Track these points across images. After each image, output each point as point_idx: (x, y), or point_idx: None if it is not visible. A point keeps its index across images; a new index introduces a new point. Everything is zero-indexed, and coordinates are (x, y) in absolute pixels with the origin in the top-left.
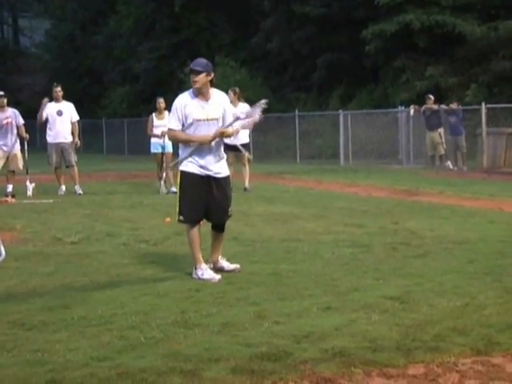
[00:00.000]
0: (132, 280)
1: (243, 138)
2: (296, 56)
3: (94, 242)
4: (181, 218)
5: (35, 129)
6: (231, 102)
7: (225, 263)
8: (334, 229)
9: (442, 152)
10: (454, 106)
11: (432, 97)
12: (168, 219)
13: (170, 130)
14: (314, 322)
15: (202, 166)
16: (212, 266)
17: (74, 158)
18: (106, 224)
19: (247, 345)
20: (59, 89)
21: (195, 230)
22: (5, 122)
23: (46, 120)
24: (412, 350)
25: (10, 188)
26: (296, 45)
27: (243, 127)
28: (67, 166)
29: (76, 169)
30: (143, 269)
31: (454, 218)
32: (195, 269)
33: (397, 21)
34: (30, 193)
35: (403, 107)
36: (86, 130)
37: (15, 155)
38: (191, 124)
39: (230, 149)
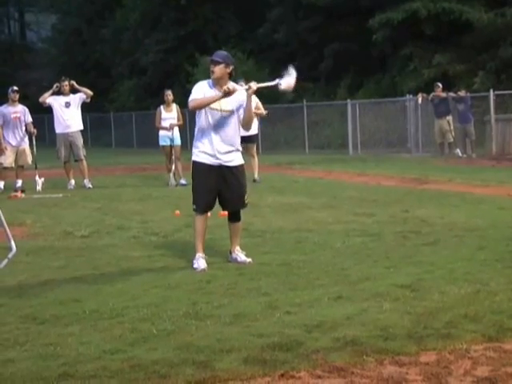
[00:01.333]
0: (143, 273)
1: (252, 129)
2: (303, 46)
3: (105, 236)
4: (194, 207)
5: (44, 124)
6: None
7: (240, 256)
8: (344, 218)
9: (451, 140)
10: (462, 93)
11: (440, 85)
12: (178, 212)
13: (191, 101)
14: (326, 311)
15: (212, 156)
16: (229, 253)
17: (82, 152)
18: (115, 217)
19: (259, 335)
20: (66, 83)
21: (202, 218)
22: (13, 116)
23: (51, 110)
24: (424, 337)
25: (19, 183)
26: (303, 35)
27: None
28: (76, 160)
29: (85, 163)
30: (154, 261)
31: (464, 206)
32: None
33: (403, 9)
34: (39, 187)
35: (411, 96)
36: (95, 123)
37: (24, 150)
38: (207, 112)
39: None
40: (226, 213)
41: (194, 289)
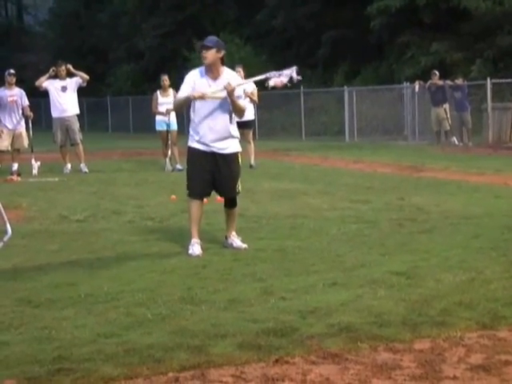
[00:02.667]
0: (138, 257)
1: (248, 114)
2: (300, 32)
3: (100, 220)
4: (187, 192)
5: (40, 108)
6: None
7: (235, 241)
8: (340, 205)
9: (448, 128)
10: (459, 81)
11: (437, 72)
12: (174, 196)
13: (175, 100)
14: (321, 297)
15: (205, 143)
16: (224, 239)
17: (79, 136)
18: (111, 202)
19: (254, 321)
20: (63, 67)
21: (196, 204)
22: (10, 99)
23: (48, 94)
24: (418, 324)
25: (15, 166)
26: (300, 21)
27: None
28: (72, 144)
29: (81, 147)
30: (149, 246)
31: (460, 194)
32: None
33: None
34: (35, 171)
35: (408, 83)
36: (91, 108)
37: (20, 133)
38: (197, 101)
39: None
40: (222, 198)
41: (190, 274)
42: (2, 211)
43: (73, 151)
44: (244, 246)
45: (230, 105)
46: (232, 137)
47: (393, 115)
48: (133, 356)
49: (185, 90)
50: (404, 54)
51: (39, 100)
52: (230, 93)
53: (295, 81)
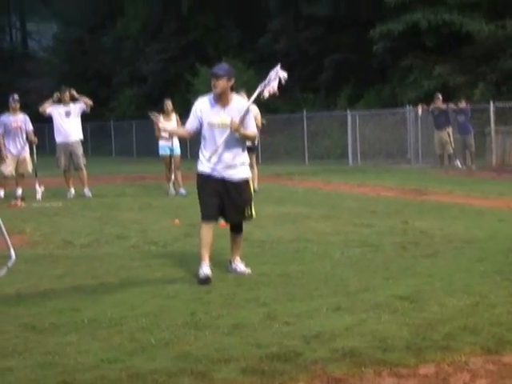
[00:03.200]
0: (142, 282)
1: None
2: (303, 56)
3: (104, 245)
4: (201, 216)
5: (44, 133)
6: None
7: (239, 266)
8: (343, 229)
9: (451, 151)
10: (462, 104)
11: (440, 96)
12: (177, 221)
13: (185, 129)
14: (324, 322)
15: (214, 169)
16: (228, 264)
17: (82, 161)
18: (115, 226)
19: (257, 345)
20: (67, 93)
21: (209, 228)
22: (14, 125)
23: (51, 120)
24: (422, 349)
25: (19, 191)
26: (303, 45)
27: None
28: (76, 169)
29: (85, 171)
30: (153, 271)
31: (464, 217)
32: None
33: (404, 20)
34: (39, 196)
35: (411, 107)
36: (95, 132)
37: (24, 159)
38: (207, 128)
39: None
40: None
41: (193, 299)
42: (6, 236)
43: (76, 176)
44: (247, 271)
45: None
46: (242, 163)
47: (396, 139)
48: (136, 381)
49: (192, 122)
50: (407, 77)
51: (43, 125)
52: (237, 130)
53: (283, 80)
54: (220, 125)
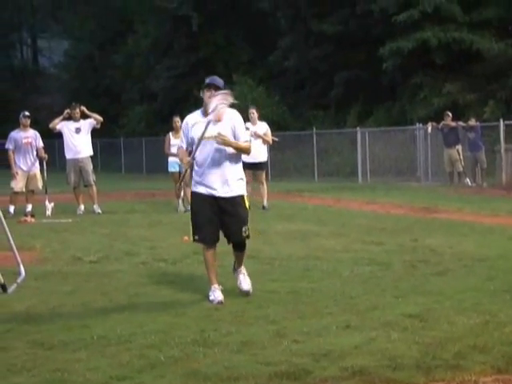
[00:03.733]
0: (151, 299)
1: (261, 156)
2: (313, 74)
3: (113, 261)
4: (196, 237)
5: (54, 149)
6: (252, 120)
7: (241, 278)
8: (353, 246)
9: (461, 169)
10: (472, 122)
11: (450, 114)
12: (186, 238)
13: (178, 147)
14: (334, 340)
15: (207, 186)
16: (233, 268)
17: (92, 178)
18: (124, 243)
19: (267, 363)
20: (77, 110)
21: (208, 250)
22: (24, 141)
23: (61, 135)
24: (432, 368)
25: (29, 208)
26: (313, 62)
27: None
28: (85, 186)
29: (94, 188)
30: (162, 288)
31: (473, 235)
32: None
33: (414, 38)
34: (49, 212)
35: (421, 124)
36: (105, 149)
37: (34, 175)
38: (198, 142)
39: (248, 167)
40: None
41: (202, 316)
42: (16, 253)
43: (86, 192)
44: (246, 289)
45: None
46: (236, 179)
47: (406, 156)
48: None
49: (183, 142)
50: (417, 94)
51: (53, 141)
52: (225, 143)
53: (222, 105)
54: (211, 138)
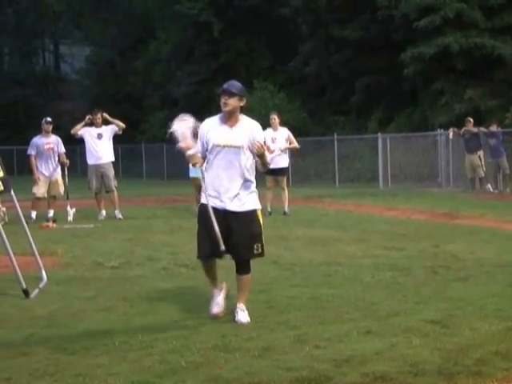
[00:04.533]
0: (172, 304)
1: (282, 162)
2: (334, 79)
3: (135, 267)
4: (196, 253)
5: (76, 154)
6: (273, 126)
7: (239, 313)
8: (374, 252)
9: (482, 175)
10: (493, 128)
11: (471, 119)
12: None
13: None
14: (355, 346)
15: (217, 198)
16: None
17: (113, 183)
18: (146, 248)
19: (288, 369)
20: (99, 116)
21: (207, 267)
22: (46, 147)
23: (83, 141)
24: (454, 374)
25: (51, 213)
26: (334, 68)
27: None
28: (107, 191)
29: (116, 193)
30: (183, 293)
31: (495, 241)
32: None
33: (435, 44)
34: (70, 218)
35: (442, 130)
36: (126, 154)
37: (56, 181)
38: (212, 149)
39: (270, 173)
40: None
41: (224, 321)
42: (38, 258)
43: (108, 198)
44: (245, 321)
45: (247, 155)
46: (250, 192)
47: (427, 162)
48: None
49: (200, 146)
50: (438, 100)
51: (75, 147)
52: (261, 152)
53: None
54: (223, 145)
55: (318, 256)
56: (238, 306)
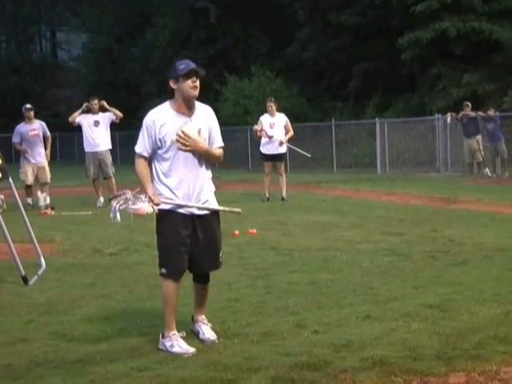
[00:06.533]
0: None
1: (281, 147)
2: (332, 65)
3: (133, 253)
4: (163, 271)
5: (74, 142)
6: (270, 112)
7: (202, 329)
8: (372, 237)
9: (480, 159)
10: (491, 112)
11: (469, 104)
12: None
13: (136, 154)
14: (354, 330)
15: (178, 201)
16: (191, 321)
17: (111, 170)
18: (144, 235)
19: (287, 354)
20: (96, 102)
21: (173, 285)
22: (31, 133)
23: (80, 128)
24: (453, 358)
25: (47, 200)
26: (331, 54)
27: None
28: (105, 178)
29: (113, 180)
30: (182, 279)
31: (493, 226)
32: (162, 337)
33: (433, 28)
34: (41, 203)
35: (440, 115)
36: (123, 141)
37: (43, 167)
38: (171, 147)
39: (268, 158)
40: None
41: (222, 307)
42: (37, 245)
43: (105, 185)
44: (212, 338)
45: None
46: (212, 193)
47: (425, 147)
48: None
49: (142, 147)
50: (435, 85)
51: (72, 134)
52: (192, 150)
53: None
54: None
55: (316, 241)
56: (200, 317)
